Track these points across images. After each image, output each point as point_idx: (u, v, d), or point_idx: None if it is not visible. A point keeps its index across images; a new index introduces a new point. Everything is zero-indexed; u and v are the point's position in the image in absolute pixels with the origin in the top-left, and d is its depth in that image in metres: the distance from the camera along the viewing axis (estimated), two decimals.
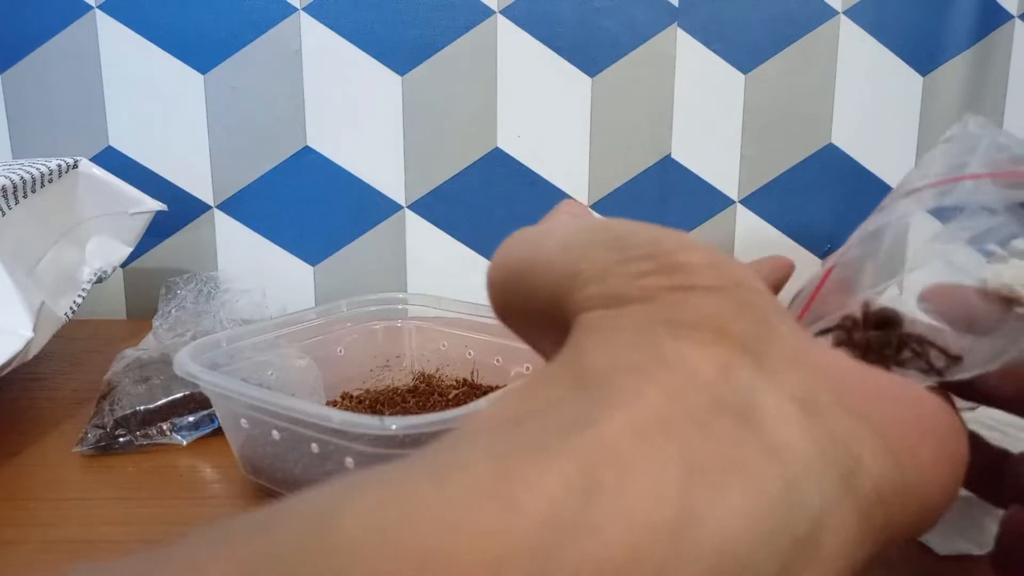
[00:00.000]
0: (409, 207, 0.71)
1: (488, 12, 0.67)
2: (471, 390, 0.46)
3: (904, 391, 0.16)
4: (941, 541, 0.30)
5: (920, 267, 0.19)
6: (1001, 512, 0.30)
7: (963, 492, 0.29)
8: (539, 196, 0.71)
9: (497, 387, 0.46)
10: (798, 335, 0.16)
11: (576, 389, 0.14)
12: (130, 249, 0.57)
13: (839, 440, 0.14)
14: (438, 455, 0.13)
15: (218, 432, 0.41)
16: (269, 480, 0.36)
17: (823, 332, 0.20)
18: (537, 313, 0.18)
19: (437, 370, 0.49)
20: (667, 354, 0.14)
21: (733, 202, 0.72)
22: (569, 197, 0.71)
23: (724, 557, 0.12)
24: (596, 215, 0.24)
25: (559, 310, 0.17)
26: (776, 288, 0.24)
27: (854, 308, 0.19)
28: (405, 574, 0.10)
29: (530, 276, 0.18)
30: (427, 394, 0.45)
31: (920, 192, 0.20)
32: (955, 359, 0.18)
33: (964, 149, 0.21)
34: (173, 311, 0.55)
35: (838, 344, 0.19)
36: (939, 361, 0.18)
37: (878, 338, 0.18)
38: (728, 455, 0.13)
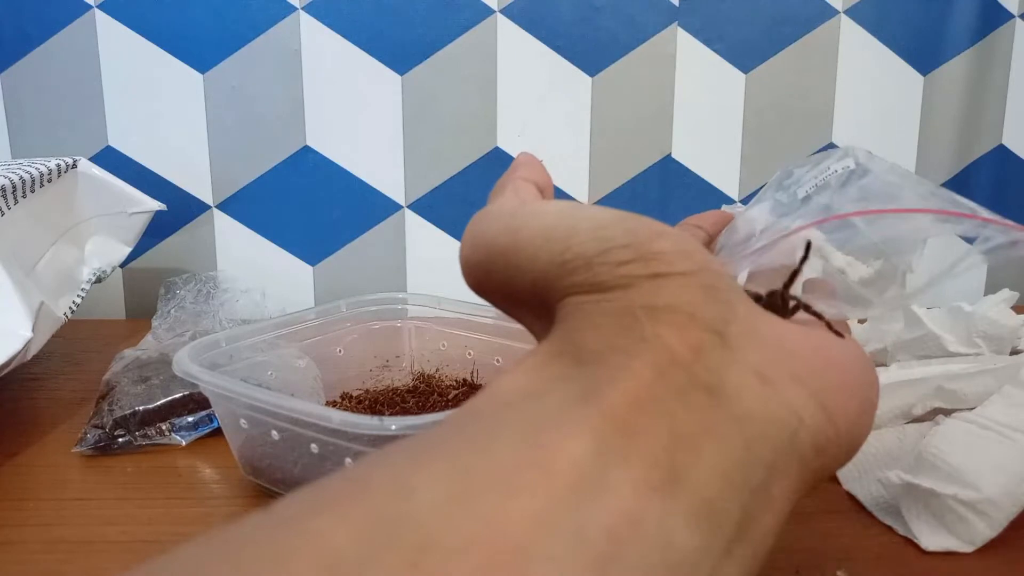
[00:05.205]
0: (409, 207, 0.71)
1: (488, 11, 0.67)
2: (471, 390, 0.46)
3: (836, 354, 0.19)
4: (928, 537, 0.31)
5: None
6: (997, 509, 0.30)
7: (951, 491, 0.29)
8: None
9: None
10: (751, 311, 0.18)
11: (576, 366, 0.17)
12: (129, 249, 0.57)
13: (787, 405, 0.17)
14: (479, 427, 0.15)
15: (217, 432, 0.41)
16: (268, 480, 0.36)
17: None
18: (518, 291, 0.20)
19: (437, 370, 0.49)
20: (647, 336, 0.17)
21: (733, 202, 0.72)
22: (569, 196, 0.71)
23: (702, 507, 0.15)
24: (549, 174, 0.25)
25: (542, 292, 0.19)
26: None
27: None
28: (478, 533, 0.12)
29: (513, 260, 0.20)
30: (427, 394, 0.45)
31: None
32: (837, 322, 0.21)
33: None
34: (172, 311, 0.55)
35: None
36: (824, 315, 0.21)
37: (771, 302, 0.21)
38: (703, 423, 0.16)
